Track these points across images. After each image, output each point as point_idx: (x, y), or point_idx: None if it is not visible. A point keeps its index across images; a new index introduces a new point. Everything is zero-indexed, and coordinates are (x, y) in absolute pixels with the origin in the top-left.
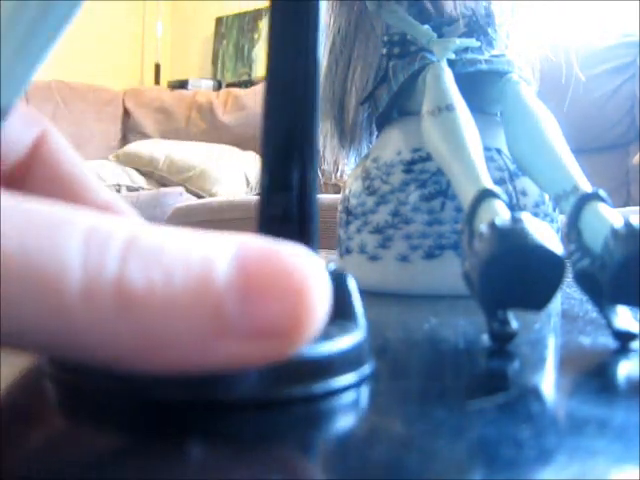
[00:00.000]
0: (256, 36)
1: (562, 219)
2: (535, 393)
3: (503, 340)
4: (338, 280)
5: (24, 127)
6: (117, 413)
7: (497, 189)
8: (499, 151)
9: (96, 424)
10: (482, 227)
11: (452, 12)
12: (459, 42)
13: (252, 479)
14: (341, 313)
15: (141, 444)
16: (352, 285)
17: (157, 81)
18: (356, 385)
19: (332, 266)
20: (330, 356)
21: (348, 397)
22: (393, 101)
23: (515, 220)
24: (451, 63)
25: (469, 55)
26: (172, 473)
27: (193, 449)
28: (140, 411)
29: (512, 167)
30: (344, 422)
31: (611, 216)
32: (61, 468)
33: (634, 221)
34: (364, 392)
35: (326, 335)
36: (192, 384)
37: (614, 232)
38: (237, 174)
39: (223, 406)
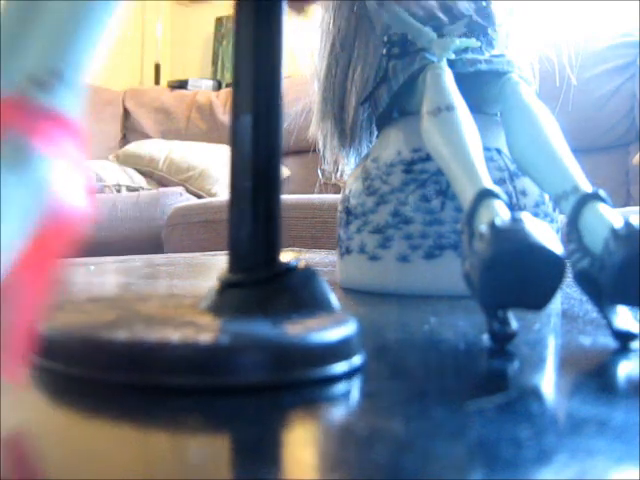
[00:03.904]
0: None
1: (562, 219)
2: (535, 393)
3: (503, 340)
4: (311, 276)
5: None
6: (121, 400)
7: (497, 189)
8: (499, 151)
9: (100, 413)
10: (482, 227)
11: (461, 11)
12: (459, 42)
13: (252, 478)
14: (321, 306)
15: (142, 429)
16: (324, 281)
17: (157, 81)
18: (351, 373)
19: (301, 262)
20: (328, 344)
21: (348, 397)
22: (393, 101)
23: (515, 220)
24: (451, 63)
25: (469, 55)
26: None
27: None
28: (144, 397)
29: (512, 167)
30: (346, 422)
31: (611, 216)
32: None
33: (634, 221)
34: (363, 391)
35: (322, 326)
36: (193, 370)
37: (614, 232)
38: None
39: (226, 390)
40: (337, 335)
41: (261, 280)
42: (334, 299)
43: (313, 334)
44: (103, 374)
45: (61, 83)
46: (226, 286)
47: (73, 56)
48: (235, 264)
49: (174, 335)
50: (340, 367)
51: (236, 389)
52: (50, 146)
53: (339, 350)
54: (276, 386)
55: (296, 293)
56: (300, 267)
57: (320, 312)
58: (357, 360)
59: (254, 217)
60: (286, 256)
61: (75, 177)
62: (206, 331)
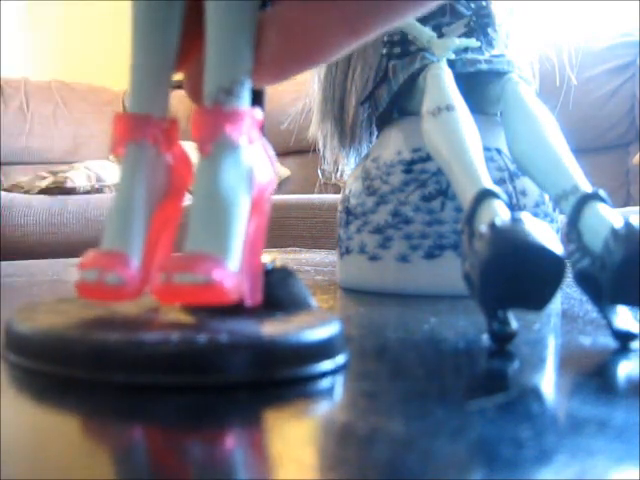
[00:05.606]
0: None
1: (562, 219)
2: (535, 393)
3: (503, 340)
4: (288, 276)
5: None
6: (97, 398)
7: (497, 189)
8: (499, 151)
9: (82, 412)
10: (482, 227)
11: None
12: (459, 42)
13: (251, 478)
14: (299, 305)
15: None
16: (300, 280)
17: None
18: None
19: (277, 262)
20: (315, 343)
21: (347, 395)
22: (393, 101)
23: (515, 220)
24: (451, 63)
25: (469, 55)
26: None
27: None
28: (119, 394)
29: (512, 167)
30: (346, 422)
31: (611, 216)
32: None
33: (634, 221)
34: (363, 390)
35: (311, 324)
36: (183, 368)
37: (614, 232)
38: None
39: (212, 389)
40: (326, 332)
41: None
42: (312, 298)
43: (305, 332)
44: (85, 373)
45: (241, 88)
46: None
47: (244, 64)
48: None
49: (173, 334)
50: (328, 364)
51: (230, 387)
52: (245, 136)
53: (327, 347)
54: (269, 384)
55: (273, 292)
56: (277, 267)
57: (299, 311)
58: (341, 358)
59: None
60: (264, 257)
61: (263, 154)
62: (196, 330)
